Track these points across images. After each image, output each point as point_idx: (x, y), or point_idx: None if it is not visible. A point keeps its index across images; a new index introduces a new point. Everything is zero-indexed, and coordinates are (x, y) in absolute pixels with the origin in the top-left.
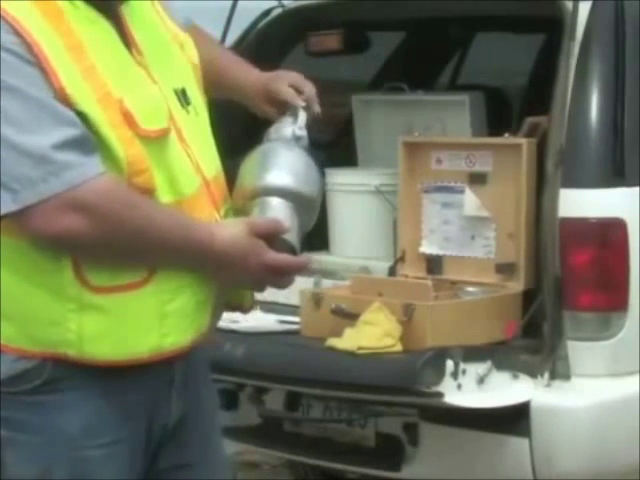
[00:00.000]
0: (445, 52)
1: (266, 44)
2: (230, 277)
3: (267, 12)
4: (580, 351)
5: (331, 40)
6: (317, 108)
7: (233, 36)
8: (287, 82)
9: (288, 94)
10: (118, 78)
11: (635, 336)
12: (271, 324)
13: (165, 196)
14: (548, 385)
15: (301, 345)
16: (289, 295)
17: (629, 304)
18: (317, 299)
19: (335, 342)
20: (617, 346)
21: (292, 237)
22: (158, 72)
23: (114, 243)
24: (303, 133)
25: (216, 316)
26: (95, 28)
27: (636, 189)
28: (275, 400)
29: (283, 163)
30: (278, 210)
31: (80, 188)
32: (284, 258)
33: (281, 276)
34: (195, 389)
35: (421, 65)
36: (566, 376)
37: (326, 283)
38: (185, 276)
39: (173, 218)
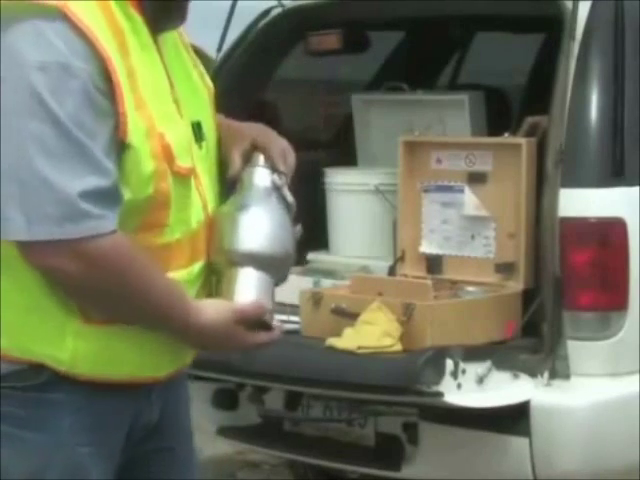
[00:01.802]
0: (445, 52)
1: (266, 44)
2: (207, 348)
3: (267, 12)
4: (580, 351)
5: (331, 40)
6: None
7: (233, 36)
8: (277, 146)
9: (275, 156)
10: (160, 111)
11: (635, 336)
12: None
13: (176, 232)
14: (548, 385)
15: (301, 345)
16: (289, 295)
17: (629, 304)
18: (317, 299)
19: (335, 342)
20: (617, 346)
21: (269, 315)
22: (184, 106)
23: (101, 296)
24: (281, 182)
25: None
26: (145, 56)
27: (636, 189)
28: (275, 400)
29: (258, 226)
30: (253, 286)
31: (91, 239)
32: (260, 339)
33: (255, 351)
34: (175, 386)
35: (421, 65)
36: (566, 376)
37: (326, 283)
38: None
39: (166, 292)
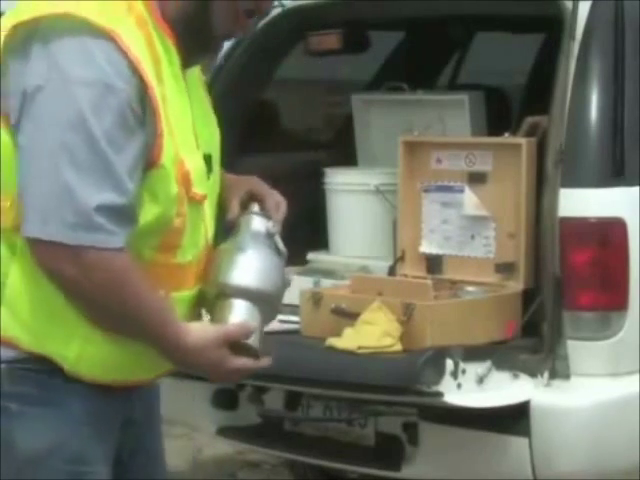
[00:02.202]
0: (445, 52)
1: (266, 44)
2: (191, 369)
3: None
4: (580, 351)
5: (331, 40)
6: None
7: None
8: (272, 197)
9: (270, 206)
10: (182, 139)
11: (635, 336)
12: (271, 323)
13: (188, 254)
14: (548, 385)
15: (301, 345)
16: (289, 295)
17: (629, 304)
18: (317, 299)
19: (335, 342)
20: (617, 346)
21: (255, 341)
22: (199, 138)
23: (95, 307)
24: (275, 230)
25: None
26: (176, 86)
27: (636, 189)
28: (275, 400)
29: (253, 265)
30: (243, 313)
31: (96, 250)
32: (243, 364)
33: (239, 377)
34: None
35: (421, 65)
36: (566, 376)
37: (326, 283)
38: None
39: (160, 313)
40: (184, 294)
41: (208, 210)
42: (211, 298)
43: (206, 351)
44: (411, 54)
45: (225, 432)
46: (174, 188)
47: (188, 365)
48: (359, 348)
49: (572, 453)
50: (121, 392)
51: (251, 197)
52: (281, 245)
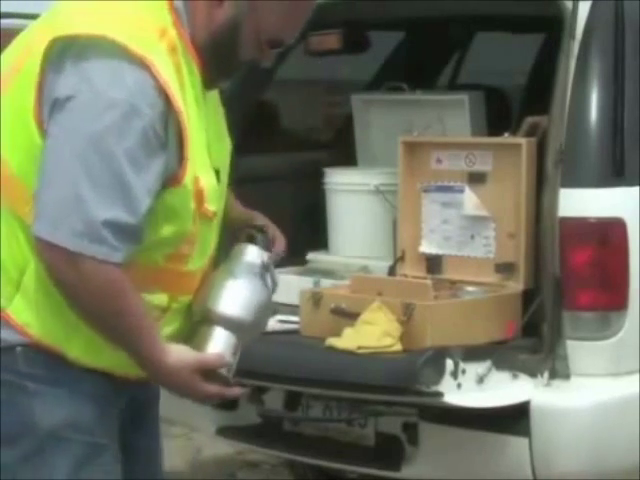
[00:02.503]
0: (445, 52)
1: None
2: (164, 387)
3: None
4: (580, 351)
5: (331, 40)
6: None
7: None
8: (272, 229)
9: (271, 234)
10: (200, 158)
11: (635, 336)
12: (270, 323)
13: (197, 263)
14: (548, 385)
15: (301, 345)
16: (289, 295)
17: (629, 304)
18: (317, 299)
19: (335, 342)
20: (617, 346)
21: (229, 370)
22: (211, 153)
23: (86, 313)
24: (270, 262)
25: None
26: (197, 109)
27: (636, 189)
28: (275, 400)
29: (241, 296)
30: (220, 343)
31: (94, 261)
32: (212, 390)
33: (210, 401)
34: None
35: (421, 65)
36: (566, 376)
37: (326, 283)
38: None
39: (147, 333)
40: (184, 298)
41: (215, 222)
42: (196, 319)
43: (181, 374)
44: (411, 54)
45: (225, 432)
46: (192, 205)
47: (160, 382)
48: (359, 348)
49: (572, 453)
50: (120, 383)
51: (254, 227)
52: (275, 277)
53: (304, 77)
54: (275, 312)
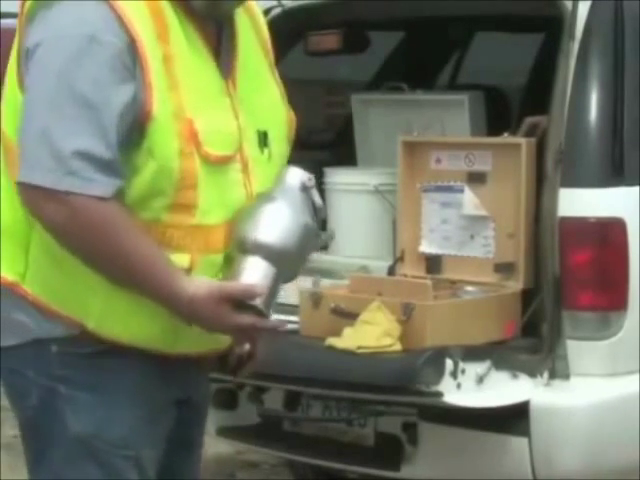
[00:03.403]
0: (445, 52)
1: None
2: (193, 321)
3: (267, 12)
4: (579, 351)
5: (331, 40)
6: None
7: None
8: None
9: None
10: (196, 100)
11: (634, 336)
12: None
13: (212, 216)
14: (547, 385)
15: (301, 345)
16: (288, 295)
17: (628, 304)
18: (316, 298)
19: (334, 341)
20: (616, 346)
21: (262, 302)
22: (246, 109)
23: (82, 251)
24: (311, 184)
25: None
26: (190, 48)
27: (636, 189)
28: (274, 399)
29: (277, 221)
30: (256, 273)
31: (76, 196)
32: (249, 321)
33: (248, 335)
34: (206, 377)
35: (421, 65)
36: (565, 376)
37: (325, 282)
38: None
39: (150, 261)
40: (212, 257)
41: (257, 181)
42: (233, 254)
43: (206, 304)
44: (411, 54)
45: (225, 432)
46: (173, 143)
47: (186, 315)
48: (359, 348)
49: (571, 453)
50: (170, 371)
51: None
52: (318, 199)
53: (304, 77)
54: (330, 239)
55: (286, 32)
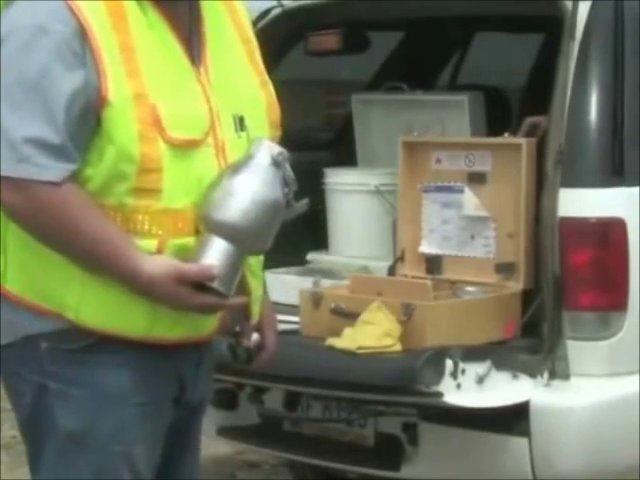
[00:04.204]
0: (445, 52)
1: (265, 44)
2: (157, 301)
3: (266, 12)
4: (579, 351)
5: (331, 40)
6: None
7: None
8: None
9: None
10: (161, 86)
11: (634, 336)
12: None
13: (180, 200)
14: (547, 385)
15: (301, 345)
16: (288, 295)
17: (628, 304)
18: (316, 299)
19: (335, 342)
20: (616, 346)
21: (221, 282)
22: (220, 94)
23: (44, 236)
24: (282, 158)
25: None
26: (154, 35)
27: (636, 189)
28: (274, 400)
29: (241, 198)
30: (214, 253)
31: (30, 182)
32: (209, 301)
33: (208, 312)
34: (209, 377)
35: (421, 65)
36: (565, 376)
37: (325, 283)
38: None
39: (109, 242)
40: (184, 241)
41: (229, 161)
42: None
43: (163, 284)
44: (411, 54)
45: (225, 432)
46: (132, 127)
47: (146, 294)
48: (359, 348)
49: (572, 453)
50: (167, 368)
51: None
52: (289, 173)
53: (304, 77)
54: (304, 207)
55: (286, 32)
